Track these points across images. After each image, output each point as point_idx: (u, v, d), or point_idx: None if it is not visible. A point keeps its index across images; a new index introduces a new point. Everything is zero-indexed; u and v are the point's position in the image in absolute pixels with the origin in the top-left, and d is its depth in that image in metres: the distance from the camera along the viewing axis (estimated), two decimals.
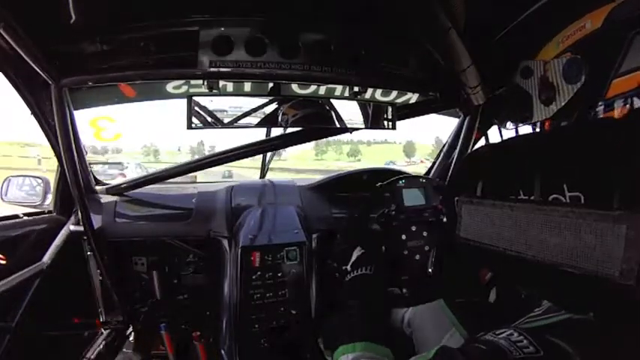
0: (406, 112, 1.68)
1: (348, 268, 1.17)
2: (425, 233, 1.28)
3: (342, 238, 1.32)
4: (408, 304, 1.25)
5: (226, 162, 1.73)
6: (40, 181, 1.63)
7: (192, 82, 1.67)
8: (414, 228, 1.28)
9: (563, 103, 1.27)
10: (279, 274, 1.57)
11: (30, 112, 1.38)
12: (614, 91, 1.16)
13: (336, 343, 0.92)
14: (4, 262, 1.37)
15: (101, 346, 1.78)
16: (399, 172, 1.43)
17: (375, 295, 1.07)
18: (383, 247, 1.27)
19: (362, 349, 0.87)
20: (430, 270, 1.28)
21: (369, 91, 1.82)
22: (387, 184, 1.35)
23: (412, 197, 1.34)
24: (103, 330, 1.79)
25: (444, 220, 1.33)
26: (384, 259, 1.27)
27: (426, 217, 1.30)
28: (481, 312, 1.38)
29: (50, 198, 1.65)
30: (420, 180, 1.36)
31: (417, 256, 1.27)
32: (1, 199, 1.62)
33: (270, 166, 2.17)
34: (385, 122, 1.47)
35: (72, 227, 1.60)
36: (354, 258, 1.19)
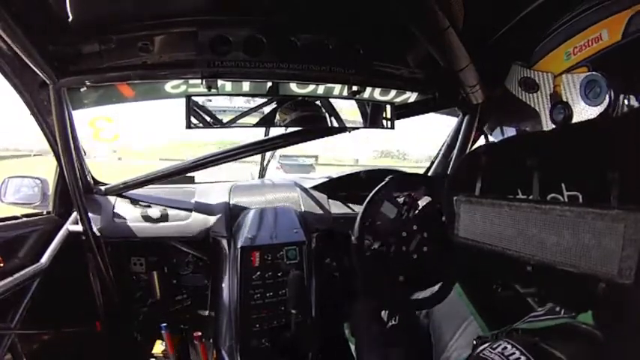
0: (405, 111, 1.69)
1: (385, 324, 1.27)
2: (415, 227, 1.28)
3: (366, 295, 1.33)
4: (439, 300, 1.27)
5: (225, 162, 1.73)
6: (38, 181, 1.62)
7: (191, 81, 1.66)
8: (404, 234, 1.28)
9: None
10: (279, 274, 1.57)
11: (29, 112, 1.38)
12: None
13: None
14: (2, 263, 1.37)
15: (101, 347, 1.78)
16: (396, 172, 1.43)
17: (408, 344, 1.15)
18: (401, 277, 1.26)
19: None
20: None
21: (368, 90, 1.82)
22: (360, 232, 1.29)
23: (387, 212, 1.31)
24: (102, 331, 1.78)
25: (419, 202, 1.32)
26: (406, 285, 1.27)
27: (405, 216, 1.29)
28: (497, 301, 1.41)
29: (49, 199, 1.64)
30: (379, 193, 1.30)
31: (425, 248, 1.27)
32: (0, 200, 1.62)
33: None
34: (384, 121, 1.47)
35: (71, 228, 1.60)
36: (385, 317, 1.27)
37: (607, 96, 1.02)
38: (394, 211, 1.28)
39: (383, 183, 1.28)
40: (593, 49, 1.08)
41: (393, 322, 1.21)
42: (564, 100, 1.15)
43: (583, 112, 1.10)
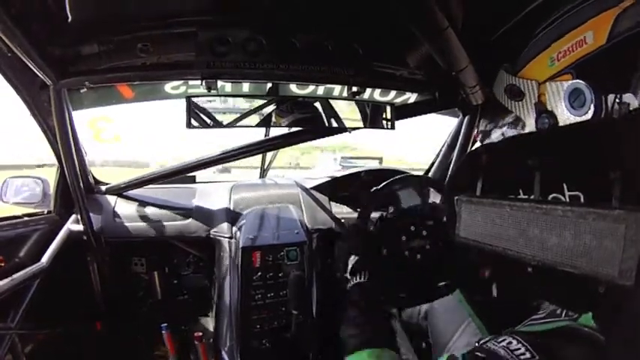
0: (405, 112, 1.68)
1: (347, 276, 1.20)
2: (425, 232, 1.27)
3: (341, 244, 1.32)
4: (412, 305, 1.27)
5: (226, 162, 1.73)
6: (39, 181, 1.62)
7: (191, 82, 1.67)
8: (412, 228, 1.27)
9: None
10: (280, 275, 1.57)
11: (29, 113, 1.38)
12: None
13: (343, 354, 0.97)
14: (3, 263, 1.37)
15: (101, 347, 1.78)
16: (398, 172, 1.42)
17: (372, 303, 1.10)
18: (384, 250, 1.25)
19: (369, 356, 0.91)
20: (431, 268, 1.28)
21: (368, 91, 1.82)
22: (383, 187, 1.30)
23: (408, 198, 1.32)
24: (103, 331, 1.79)
25: (443, 216, 1.31)
26: (383, 261, 1.26)
27: (423, 215, 1.29)
28: (496, 303, 1.41)
29: (50, 198, 1.64)
30: (415, 179, 1.32)
31: (419, 256, 1.26)
32: (1, 199, 1.62)
33: None
34: (384, 122, 1.47)
35: (71, 227, 1.60)
36: (349, 265, 1.21)
37: (592, 105, 0.98)
38: (417, 201, 1.29)
39: (397, 177, 1.32)
40: (577, 54, 1.04)
41: (360, 279, 1.16)
42: (549, 109, 1.12)
43: (568, 121, 1.07)
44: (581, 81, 1.01)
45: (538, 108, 1.16)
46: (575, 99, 1.03)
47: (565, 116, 1.07)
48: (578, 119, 1.02)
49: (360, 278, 1.16)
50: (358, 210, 1.26)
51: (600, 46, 0.97)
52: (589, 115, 0.99)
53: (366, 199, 1.26)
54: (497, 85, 1.33)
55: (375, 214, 1.36)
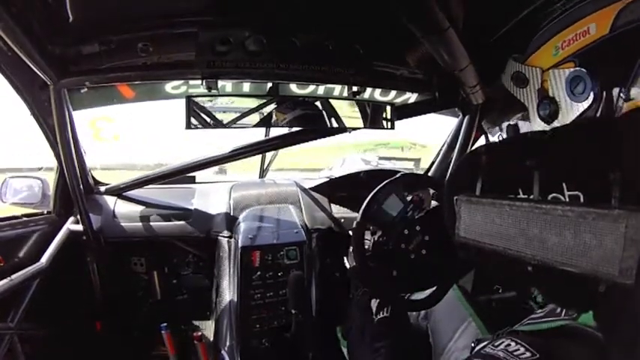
0: (405, 111, 1.68)
1: (373, 317, 1.21)
2: (418, 227, 1.27)
3: (354, 288, 1.32)
4: (430, 305, 1.26)
5: (225, 162, 1.73)
6: (39, 181, 1.62)
7: (191, 82, 1.67)
8: (406, 231, 1.27)
9: (567, 121, 1.09)
10: (280, 274, 1.57)
11: (29, 112, 1.38)
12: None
13: None
14: (2, 263, 1.37)
15: (101, 347, 1.78)
16: (396, 172, 1.42)
17: (397, 336, 1.10)
18: (394, 272, 1.25)
19: None
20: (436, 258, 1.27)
21: (368, 90, 1.83)
22: (364, 217, 1.29)
23: (392, 206, 1.31)
24: (102, 331, 1.78)
25: (425, 204, 1.31)
26: (398, 279, 1.26)
27: (410, 214, 1.29)
28: (496, 303, 1.40)
29: (49, 198, 1.64)
30: (390, 184, 1.31)
31: (424, 251, 1.26)
32: (0, 199, 1.62)
33: None
34: (384, 122, 1.47)
35: (71, 227, 1.60)
36: (374, 308, 1.22)
37: (592, 92, 1.01)
38: (400, 206, 1.28)
39: (396, 176, 1.30)
40: (580, 43, 1.07)
41: (384, 314, 1.17)
42: (551, 95, 1.15)
43: (568, 107, 1.10)
44: (582, 69, 1.05)
45: (540, 94, 1.19)
46: (575, 86, 1.06)
47: (566, 102, 1.10)
48: (578, 105, 1.06)
49: (384, 314, 1.17)
50: (352, 250, 1.25)
51: (603, 35, 1.00)
52: (588, 102, 1.03)
53: (354, 233, 1.25)
54: (506, 73, 1.36)
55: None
